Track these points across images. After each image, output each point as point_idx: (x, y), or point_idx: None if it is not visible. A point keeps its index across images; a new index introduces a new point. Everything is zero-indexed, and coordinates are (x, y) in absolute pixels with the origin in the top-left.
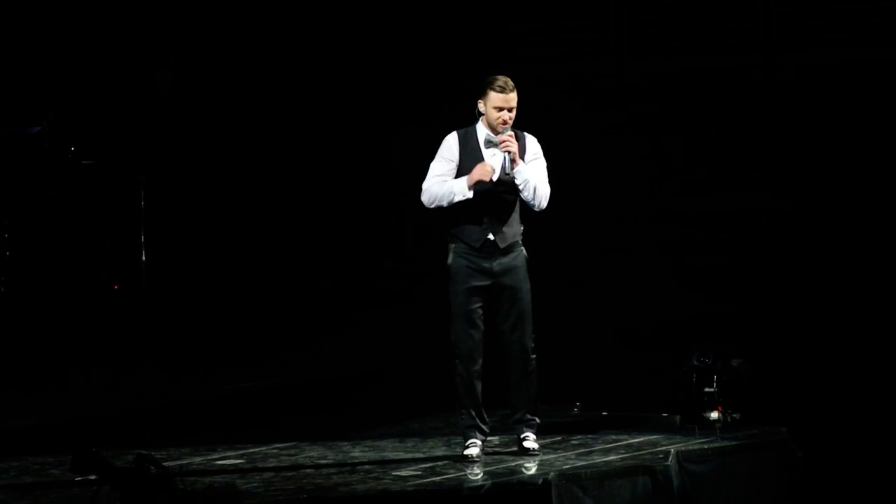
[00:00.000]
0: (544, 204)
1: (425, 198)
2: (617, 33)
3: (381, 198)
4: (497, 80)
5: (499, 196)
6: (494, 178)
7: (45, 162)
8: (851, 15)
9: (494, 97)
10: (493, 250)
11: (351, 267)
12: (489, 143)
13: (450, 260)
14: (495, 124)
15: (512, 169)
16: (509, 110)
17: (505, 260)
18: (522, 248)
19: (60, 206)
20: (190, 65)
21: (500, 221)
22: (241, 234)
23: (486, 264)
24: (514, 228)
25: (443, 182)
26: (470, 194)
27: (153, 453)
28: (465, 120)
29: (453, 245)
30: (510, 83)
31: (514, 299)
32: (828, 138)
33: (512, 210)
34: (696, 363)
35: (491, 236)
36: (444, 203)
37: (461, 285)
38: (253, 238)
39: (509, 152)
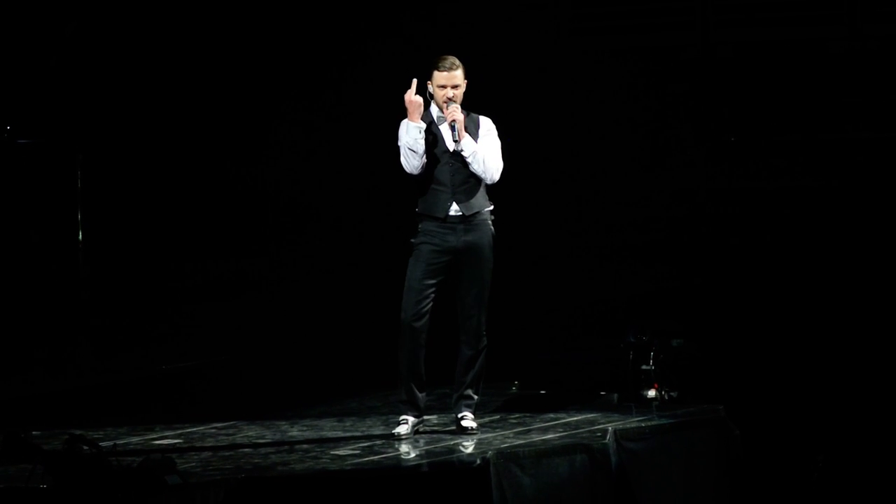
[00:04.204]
0: (496, 177)
1: (403, 162)
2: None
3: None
4: (440, 59)
5: (458, 166)
6: (413, 97)
7: None
8: None
9: (437, 76)
10: (458, 221)
11: (282, 241)
12: (441, 120)
13: (415, 238)
14: (440, 101)
15: (458, 141)
16: (453, 87)
17: (470, 238)
18: (491, 225)
19: None
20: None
21: (462, 192)
22: (177, 212)
23: (451, 240)
24: (480, 201)
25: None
26: (422, 124)
27: (88, 433)
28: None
29: (421, 224)
30: (449, 61)
31: (475, 277)
32: (764, 117)
33: (474, 181)
34: (632, 340)
35: (455, 206)
36: (414, 150)
37: (421, 262)
38: (188, 216)
39: (454, 124)
